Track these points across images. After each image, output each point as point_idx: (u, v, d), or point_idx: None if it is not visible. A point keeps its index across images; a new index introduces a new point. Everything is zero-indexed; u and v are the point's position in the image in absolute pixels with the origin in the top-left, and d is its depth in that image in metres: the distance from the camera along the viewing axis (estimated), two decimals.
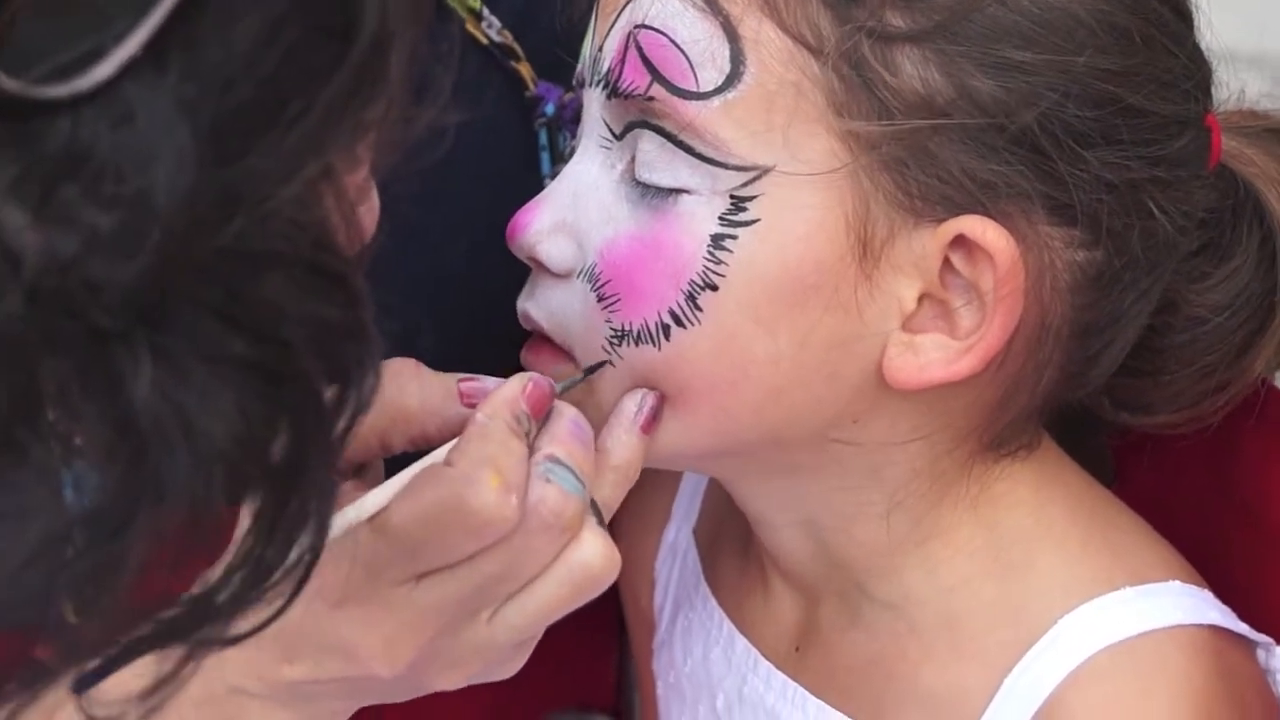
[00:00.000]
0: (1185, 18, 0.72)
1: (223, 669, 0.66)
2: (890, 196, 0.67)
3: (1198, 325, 0.75)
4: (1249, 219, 0.75)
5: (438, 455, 0.66)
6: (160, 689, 0.53)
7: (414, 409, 0.69)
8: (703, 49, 0.67)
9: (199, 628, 0.53)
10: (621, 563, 0.66)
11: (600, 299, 0.70)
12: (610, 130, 0.70)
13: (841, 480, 0.74)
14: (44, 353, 0.46)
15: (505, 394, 0.66)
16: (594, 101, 0.71)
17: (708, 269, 0.68)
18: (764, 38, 0.67)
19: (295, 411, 0.51)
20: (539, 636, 0.68)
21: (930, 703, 0.75)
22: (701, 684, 0.84)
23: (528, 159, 0.89)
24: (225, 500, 0.51)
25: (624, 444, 0.69)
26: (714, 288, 0.68)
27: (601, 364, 0.70)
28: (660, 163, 0.68)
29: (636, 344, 0.69)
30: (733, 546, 0.84)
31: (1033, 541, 0.74)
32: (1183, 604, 0.73)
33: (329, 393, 0.52)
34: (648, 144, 0.69)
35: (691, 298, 0.68)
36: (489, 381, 0.69)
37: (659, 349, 0.69)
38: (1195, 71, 0.72)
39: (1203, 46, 0.73)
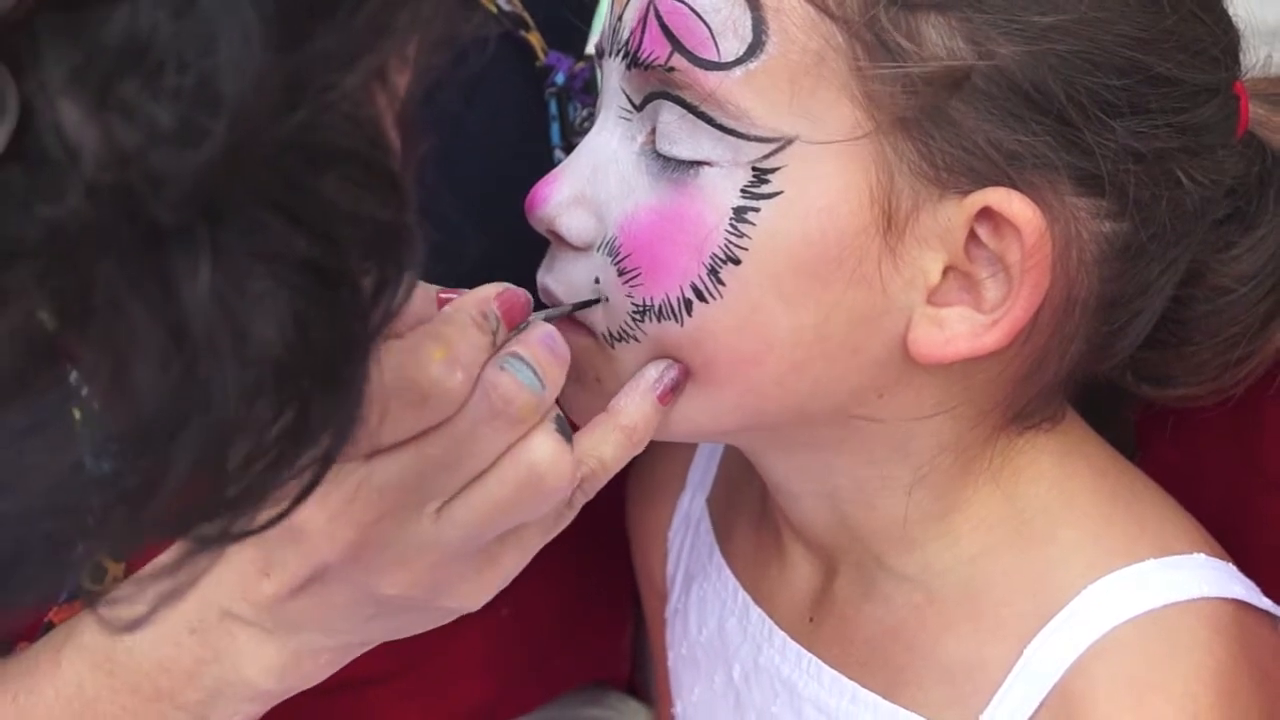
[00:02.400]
0: None
1: (217, 590, 0.65)
2: (915, 168, 0.66)
3: (1222, 295, 0.75)
4: (1276, 187, 0.75)
5: None
6: (170, 578, 0.52)
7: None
8: (724, 17, 0.66)
9: (210, 519, 0.52)
10: (571, 475, 0.64)
11: (621, 273, 0.69)
12: (630, 101, 0.69)
13: (866, 454, 0.73)
14: (101, 252, 0.45)
15: (478, 293, 0.65)
16: (613, 72, 0.70)
17: (730, 242, 0.67)
18: (786, 6, 0.66)
19: (345, 316, 0.50)
20: (503, 567, 0.66)
21: (949, 673, 0.74)
22: (717, 654, 0.84)
23: (538, 129, 0.88)
24: (272, 405, 0.49)
25: (636, 406, 0.68)
26: (736, 261, 0.67)
27: (595, 301, 0.69)
28: (681, 134, 0.67)
29: (659, 320, 0.68)
30: (748, 516, 0.84)
31: (1055, 514, 0.74)
32: (1206, 577, 0.72)
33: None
34: (668, 115, 0.67)
35: (714, 271, 0.67)
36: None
37: (681, 325, 0.68)
38: (1223, 37, 0.71)
39: (1245, 20, 0.72)
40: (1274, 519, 0.78)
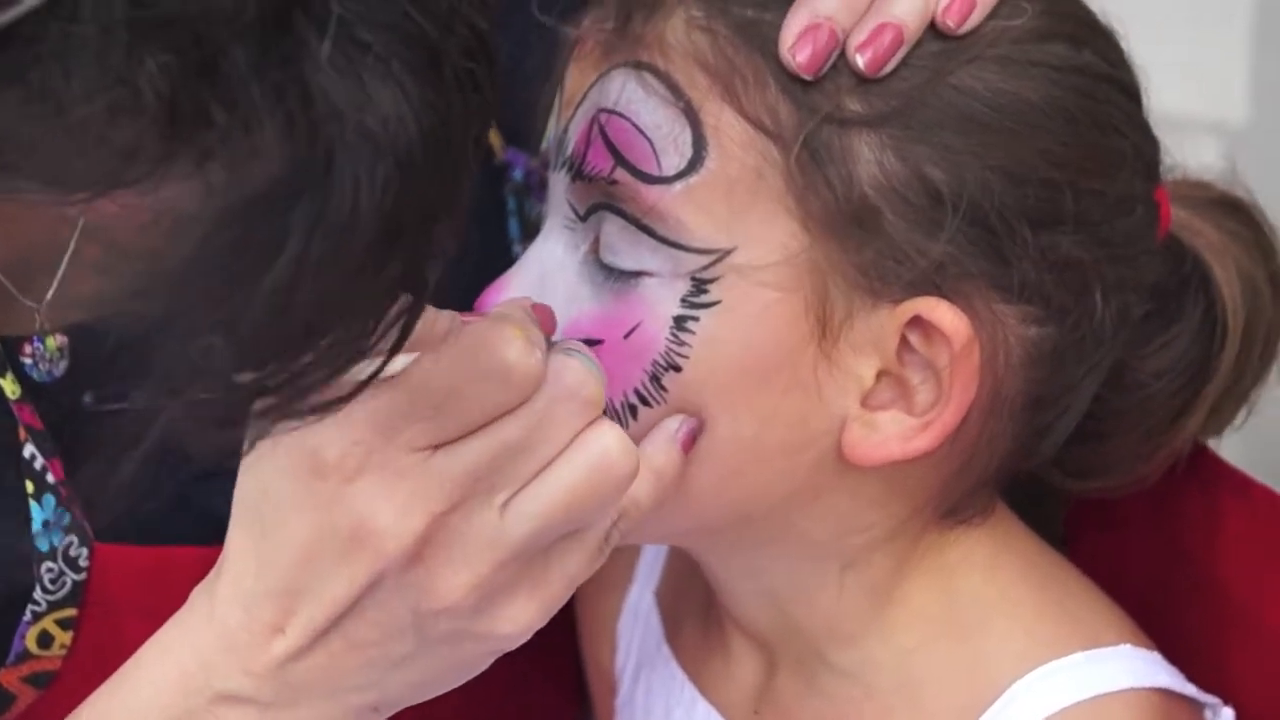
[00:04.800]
0: (1135, 99, 0.74)
1: (208, 672, 0.63)
2: (848, 278, 0.69)
3: (1139, 390, 0.77)
4: (1195, 287, 0.77)
5: None
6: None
7: (415, 336, 0.66)
8: (665, 134, 0.69)
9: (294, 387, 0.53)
10: (635, 468, 0.64)
11: None
12: (575, 211, 0.71)
13: (802, 551, 0.75)
14: (226, 24, 0.47)
15: (517, 299, 0.67)
16: (559, 183, 0.72)
17: (671, 350, 0.69)
18: (724, 123, 0.68)
19: (453, 103, 0.51)
20: (552, 590, 0.64)
21: None
22: None
23: (497, 225, 0.90)
24: (378, 198, 0.50)
25: (664, 451, 0.68)
26: (677, 368, 0.69)
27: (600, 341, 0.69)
28: (623, 245, 0.69)
29: None
30: (694, 609, 0.85)
31: (987, 607, 0.76)
32: (1133, 667, 0.74)
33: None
34: (611, 226, 0.70)
35: (655, 378, 0.69)
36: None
37: (627, 429, 0.69)
38: (1145, 151, 0.74)
39: (1161, 112, 0.74)
40: (1196, 605, 0.81)
